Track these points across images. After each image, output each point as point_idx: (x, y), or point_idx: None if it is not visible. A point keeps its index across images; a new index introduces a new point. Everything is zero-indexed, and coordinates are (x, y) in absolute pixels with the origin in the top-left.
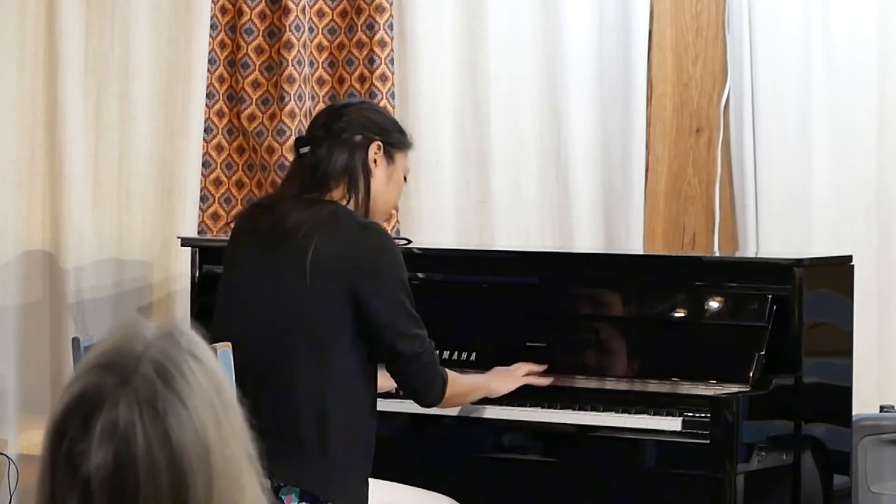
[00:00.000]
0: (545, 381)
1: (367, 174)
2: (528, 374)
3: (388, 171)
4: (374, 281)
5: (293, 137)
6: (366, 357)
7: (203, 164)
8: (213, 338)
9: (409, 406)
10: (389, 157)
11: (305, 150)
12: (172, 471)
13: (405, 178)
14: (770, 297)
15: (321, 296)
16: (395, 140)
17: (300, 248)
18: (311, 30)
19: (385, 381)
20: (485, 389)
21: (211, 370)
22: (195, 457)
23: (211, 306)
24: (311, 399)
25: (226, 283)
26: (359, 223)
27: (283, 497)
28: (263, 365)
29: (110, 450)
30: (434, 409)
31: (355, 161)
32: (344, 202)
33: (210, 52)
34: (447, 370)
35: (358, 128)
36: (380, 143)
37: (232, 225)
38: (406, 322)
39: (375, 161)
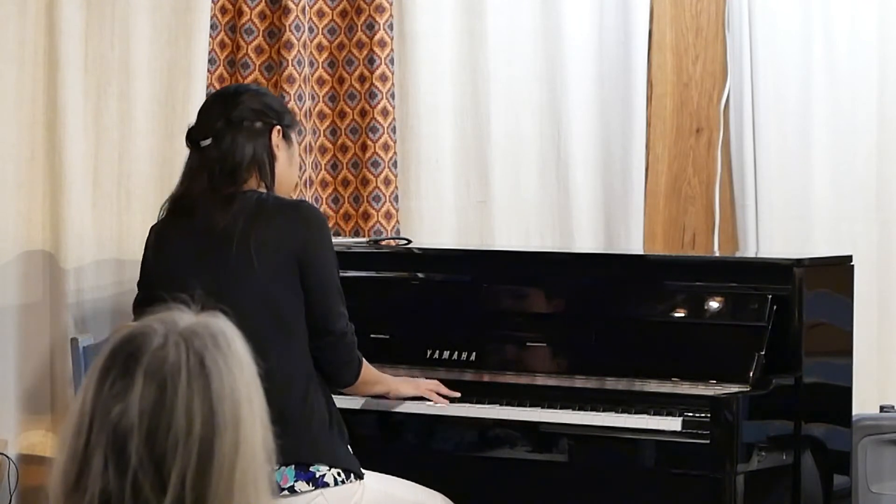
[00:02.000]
0: (443, 401)
1: (273, 160)
2: (431, 391)
3: (288, 154)
4: (311, 256)
5: None
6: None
7: None
8: None
9: (408, 406)
10: (288, 139)
11: (207, 142)
12: (205, 419)
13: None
14: (770, 297)
15: (274, 278)
16: (289, 121)
17: (241, 243)
18: (311, 30)
19: (410, 388)
20: (387, 385)
21: (251, 361)
22: (229, 414)
23: None
24: (288, 377)
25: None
26: (289, 203)
27: (278, 479)
28: None
29: (153, 385)
30: (346, 393)
31: (261, 149)
32: (259, 190)
33: (210, 52)
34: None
35: (257, 115)
36: (279, 127)
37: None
38: (337, 299)
39: (278, 146)
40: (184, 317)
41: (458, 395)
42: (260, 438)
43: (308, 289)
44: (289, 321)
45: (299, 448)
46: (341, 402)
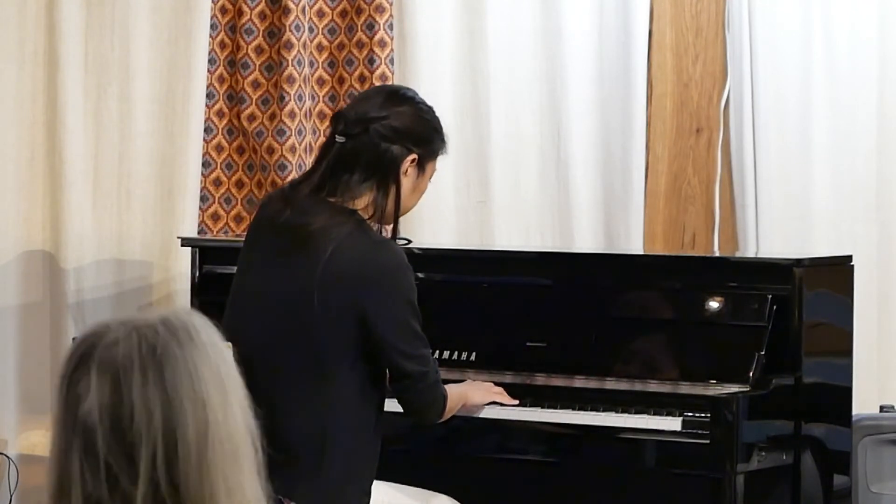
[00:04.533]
0: (513, 402)
1: (398, 186)
2: (499, 393)
3: (415, 182)
4: (382, 301)
5: (293, 137)
6: (368, 378)
7: (203, 164)
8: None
9: None
10: (421, 167)
11: (342, 140)
12: (164, 404)
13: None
14: (770, 297)
15: (329, 314)
16: (432, 150)
17: (314, 260)
18: (311, 30)
19: (482, 395)
20: (463, 400)
21: (221, 347)
22: (189, 398)
23: (211, 306)
24: (308, 417)
25: (239, 280)
26: (374, 241)
27: (281, 499)
28: (263, 376)
29: (106, 377)
30: None
31: (386, 173)
32: (367, 212)
33: (210, 52)
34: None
35: (399, 136)
36: (416, 155)
37: (232, 221)
38: (412, 343)
39: (406, 172)
40: (146, 315)
41: (516, 402)
42: (237, 419)
43: (378, 333)
44: (326, 363)
45: (301, 491)
46: None
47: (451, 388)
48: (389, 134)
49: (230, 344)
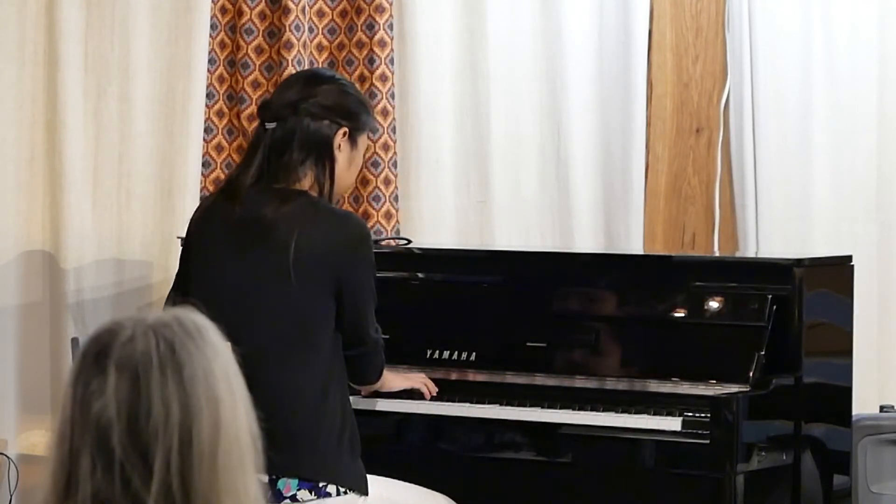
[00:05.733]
0: (431, 391)
1: (332, 161)
2: (421, 384)
3: (349, 157)
4: (355, 272)
5: None
6: (340, 344)
7: (203, 164)
8: None
9: (409, 406)
10: (353, 141)
11: (272, 125)
12: (182, 402)
13: (364, 156)
14: (770, 297)
15: (308, 290)
16: (361, 124)
17: (282, 244)
18: (311, 30)
19: (401, 381)
20: (382, 379)
21: (225, 347)
22: (205, 396)
23: None
24: (303, 391)
25: (201, 281)
26: (338, 215)
27: (280, 487)
28: (255, 361)
29: (125, 375)
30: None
31: (321, 149)
32: (314, 191)
33: (210, 52)
34: None
35: (327, 112)
36: (346, 129)
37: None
38: (371, 311)
39: (339, 146)
40: (159, 314)
41: (436, 390)
42: (243, 420)
43: (344, 302)
44: (314, 336)
45: (304, 464)
46: None
47: None
48: (318, 111)
49: (230, 343)
